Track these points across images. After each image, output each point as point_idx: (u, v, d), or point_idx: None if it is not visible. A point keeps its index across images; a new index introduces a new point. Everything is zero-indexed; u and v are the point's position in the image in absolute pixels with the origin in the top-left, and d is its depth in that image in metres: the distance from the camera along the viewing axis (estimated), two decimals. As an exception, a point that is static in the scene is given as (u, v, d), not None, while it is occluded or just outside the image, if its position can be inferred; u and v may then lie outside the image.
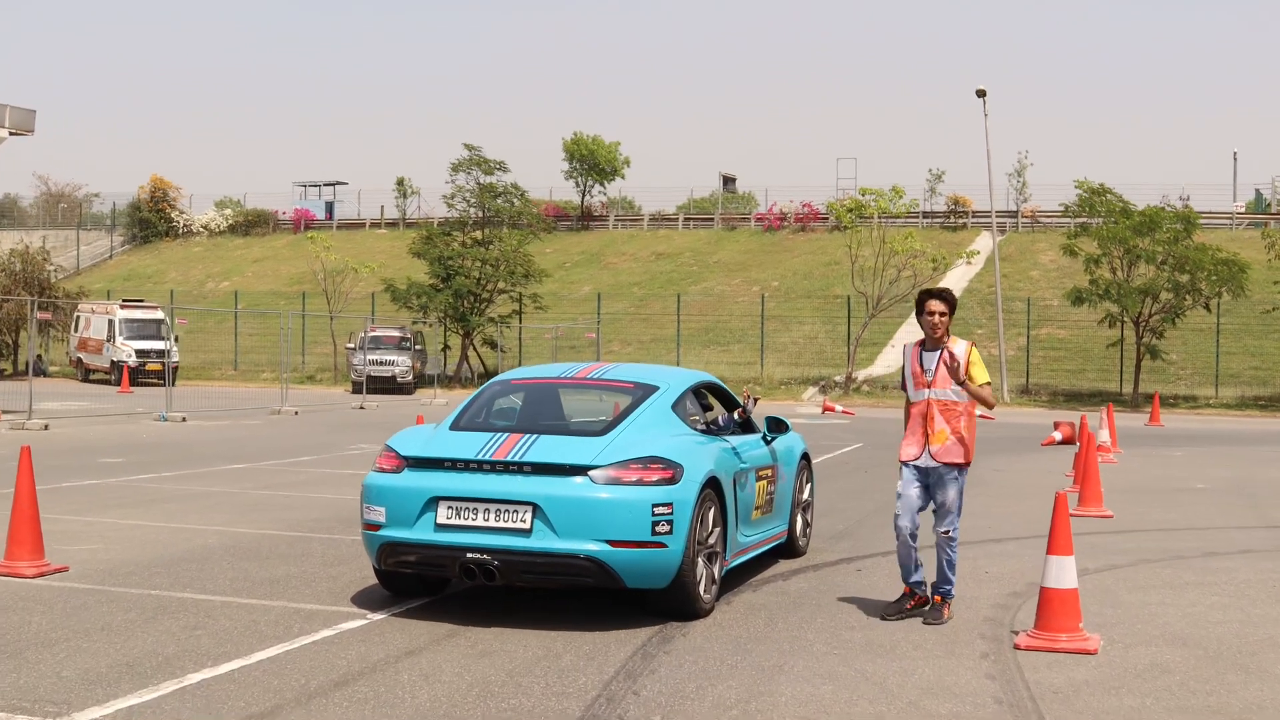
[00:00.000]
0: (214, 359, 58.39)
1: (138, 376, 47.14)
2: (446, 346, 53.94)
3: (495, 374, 48.49)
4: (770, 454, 10.91)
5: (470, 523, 8.59)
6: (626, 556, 8.43)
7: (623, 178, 74.96)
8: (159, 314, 50.79)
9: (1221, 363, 47.66)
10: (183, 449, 21.81)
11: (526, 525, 8.47)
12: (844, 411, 37.81)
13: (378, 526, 8.90)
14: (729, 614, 9.11)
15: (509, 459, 8.69)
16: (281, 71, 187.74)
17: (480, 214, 52.42)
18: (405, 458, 9.02)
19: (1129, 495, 16.81)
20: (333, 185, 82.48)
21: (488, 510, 8.57)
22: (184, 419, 28.79)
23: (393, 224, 75.67)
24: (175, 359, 49.54)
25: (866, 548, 12.23)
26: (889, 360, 52.13)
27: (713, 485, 9.13)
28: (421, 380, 47.68)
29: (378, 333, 48.73)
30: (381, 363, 46.73)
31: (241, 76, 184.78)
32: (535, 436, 8.94)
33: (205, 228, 79.33)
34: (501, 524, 8.52)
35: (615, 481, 8.52)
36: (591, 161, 73.41)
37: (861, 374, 48.83)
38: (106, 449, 21.31)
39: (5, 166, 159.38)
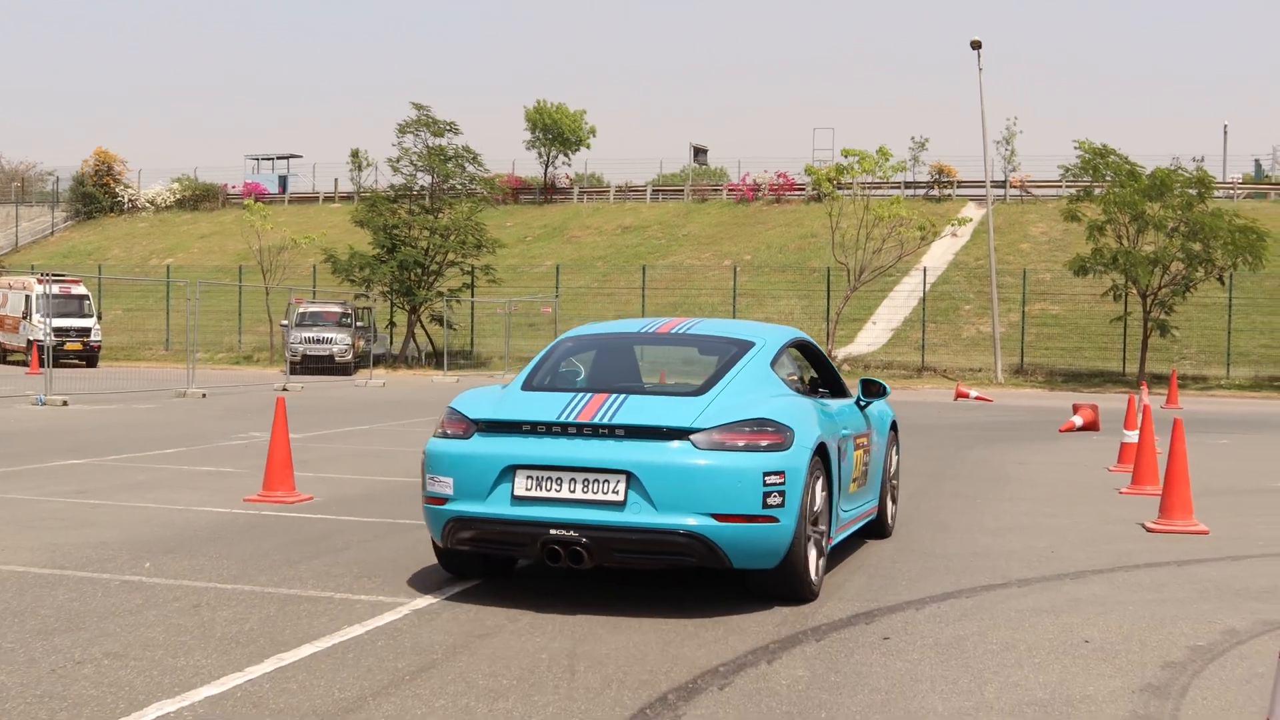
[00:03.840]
0: (148, 339, 54.51)
1: (58, 357, 42.89)
2: (392, 323, 49.95)
3: (443, 353, 45.36)
4: (865, 420, 9.82)
5: (553, 495, 7.45)
6: (734, 532, 7.29)
7: (588, 148, 71.35)
8: (81, 289, 46.77)
9: (1229, 341, 44.06)
10: (23, 439, 17.81)
11: (620, 497, 7.33)
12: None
13: (444, 500, 7.75)
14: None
15: (597, 421, 7.54)
16: (235, 41, 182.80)
17: (429, 179, 48.38)
18: (475, 421, 7.87)
19: (1206, 500, 12.86)
20: (286, 158, 79.00)
21: (573, 480, 7.43)
22: (64, 402, 24.77)
23: (347, 197, 71.39)
24: (98, 338, 45.86)
25: (889, 592, 8.28)
26: (871, 337, 48.44)
27: (821, 453, 8.02)
28: (364, 360, 43.56)
29: (316, 308, 44.83)
30: (318, 340, 42.78)
31: (194, 47, 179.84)
32: (624, 396, 7.78)
33: (151, 203, 75.37)
34: (590, 495, 7.39)
35: (720, 446, 7.39)
36: (555, 131, 69.77)
37: (841, 352, 44.89)
38: (-73, 440, 17.31)
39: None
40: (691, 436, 7.40)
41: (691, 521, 7.22)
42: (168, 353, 51.70)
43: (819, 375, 10.03)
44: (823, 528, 8.11)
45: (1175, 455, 11.20)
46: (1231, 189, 59.71)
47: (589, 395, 7.86)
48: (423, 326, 48.55)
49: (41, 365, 39.55)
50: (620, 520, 7.28)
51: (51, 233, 75.28)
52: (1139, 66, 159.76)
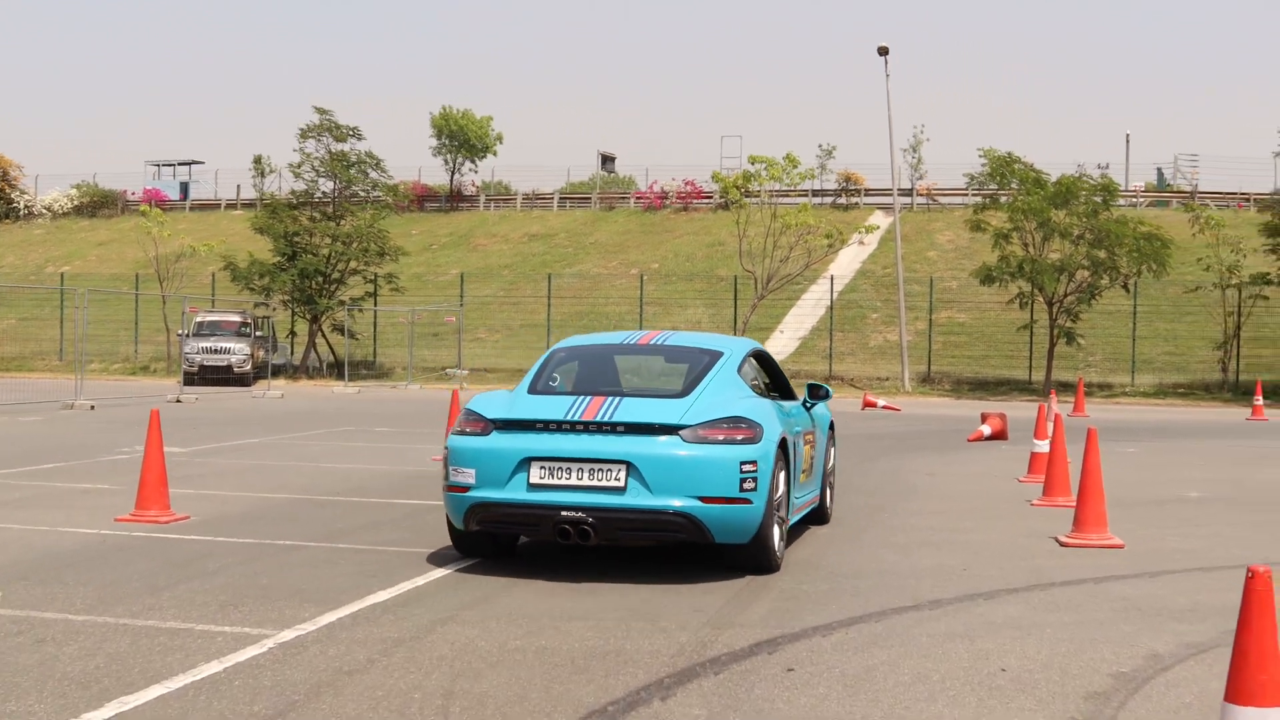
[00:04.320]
0: (42, 349, 53.04)
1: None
2: (293, 333, 48.96)
3: (345, 363, 44.52)
4: (811, 420, 11.10)
5: (564, 482, 8.64)
6: (717, 512, 8.55)
7: (495, 155, 70.50)
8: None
9: (1134, 348, 44.26)
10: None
11: (621, 483, 8.55)
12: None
13: (466, 488, 8.88)
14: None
15: (600, 419, 8.74)
16: (138, 44, 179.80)
17: (332, 185, 47.49)
18: (492, 420, 9.02)
19: (1118, 511, 12.51)
20: (188, 164, 77.31)
21: (581, 469, 8.62)
22: (-58, 416, 23.85)
23: (250, 204, 69.97)
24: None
25: (793, 616, 7.77)
26: (778, 346, 48.11)
27: (782, 446, 9.22)
28: (264, 371, 42.53)
29: (214, 317, 43.78)
30: (216, 350, 41.70)
31: (96, 49, 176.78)
32: (619, 398, 9.00)
33: (48, 209, 73.56)
34: (596, 482, 8.58)
35: (704, 440, 8.66)
36: (462, 138, 68.88)
37: (750, 361, 44.49)
38: None
39: None
40: (680, 432, 8.67)
41: (681, 503, 8.49)
42: (61, 363, 50.33)
43: (770, 380, 11.08)
44: (783, 510, 9.35)
45: (1090, 467, 10.83)
46: (1134, 197, 60.20)
47: (589, 397, 9.03)
48: (324, 336, 47.64)
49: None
50: (622, 503, 8.52)
51: (-59, 240, 73.44)
52: (1043, 75, 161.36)
